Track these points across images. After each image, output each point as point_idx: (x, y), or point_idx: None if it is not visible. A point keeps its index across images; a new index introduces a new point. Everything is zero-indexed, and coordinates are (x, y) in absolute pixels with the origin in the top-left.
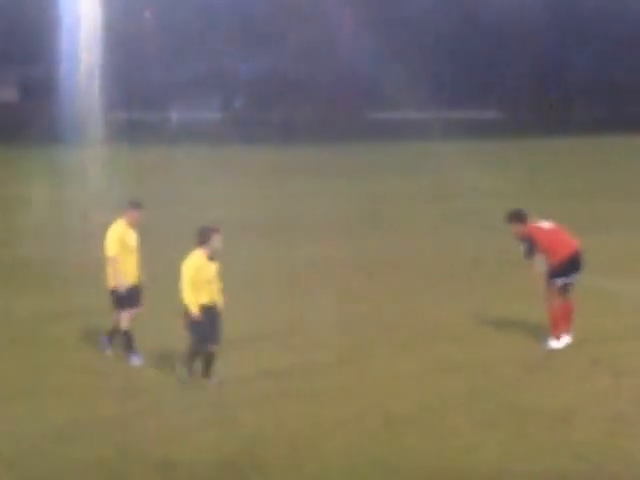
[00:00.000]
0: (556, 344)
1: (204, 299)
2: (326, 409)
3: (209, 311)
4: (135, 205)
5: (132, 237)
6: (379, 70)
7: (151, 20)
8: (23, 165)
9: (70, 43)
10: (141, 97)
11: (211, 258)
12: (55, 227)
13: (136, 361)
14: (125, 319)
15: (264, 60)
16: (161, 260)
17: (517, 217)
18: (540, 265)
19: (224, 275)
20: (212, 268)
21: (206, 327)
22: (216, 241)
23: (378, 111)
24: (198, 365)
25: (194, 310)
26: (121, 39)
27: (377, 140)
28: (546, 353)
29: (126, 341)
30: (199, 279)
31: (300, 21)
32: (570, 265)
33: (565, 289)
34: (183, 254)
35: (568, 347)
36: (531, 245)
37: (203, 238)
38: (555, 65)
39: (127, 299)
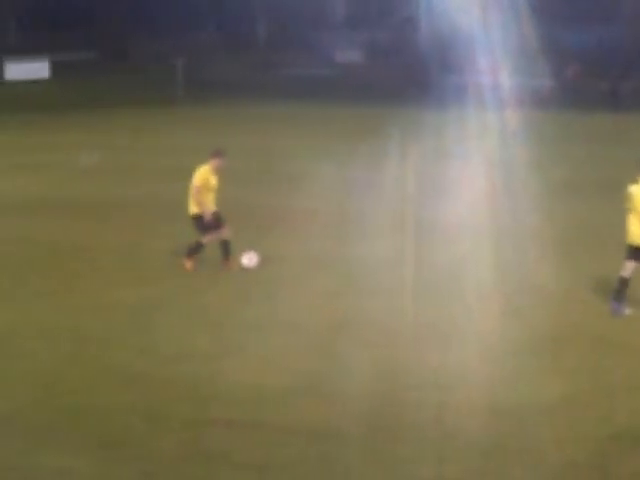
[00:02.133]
0: None
1: None
2: None
3: None
4: None
5: None
6: None
7: None
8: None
9: (414, 10)
10: (473, 62)
11: None
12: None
13: (621, 310)
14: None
15: (594, 31)
16: None
17: None
18: None
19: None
20: None
21: None
22: None
23: None
24: None
25: None
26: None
27: None
28: None
29: (620, 288)
30: None
31: None
32: None
33: None
34: None
35: None
36: None
37: None
38: None
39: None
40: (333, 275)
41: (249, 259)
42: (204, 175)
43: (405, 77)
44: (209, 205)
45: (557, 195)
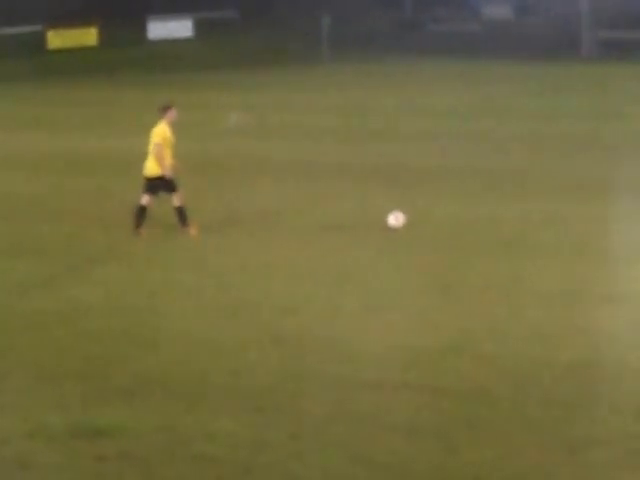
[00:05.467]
0: None
1: None
2: None
3: None
4: None
5: None
6: None
7: None
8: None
9: None
10: (627, 16)
11: None
12: None
13: None
14: None
15: None
16: None
17: None
18: None
19: None
20: None
21: None
22: None
23: None
24: None
25: None
26: None
27: None
28: None
29: None
30: None
31: None
32: None
33: None
34: None
35: None
36: None
37: None
38: None
39: None
40: (488, 236)
41: (396, 218)
42: (163, 132)
43: (556, 33)
44: (169, 162)
45: None
